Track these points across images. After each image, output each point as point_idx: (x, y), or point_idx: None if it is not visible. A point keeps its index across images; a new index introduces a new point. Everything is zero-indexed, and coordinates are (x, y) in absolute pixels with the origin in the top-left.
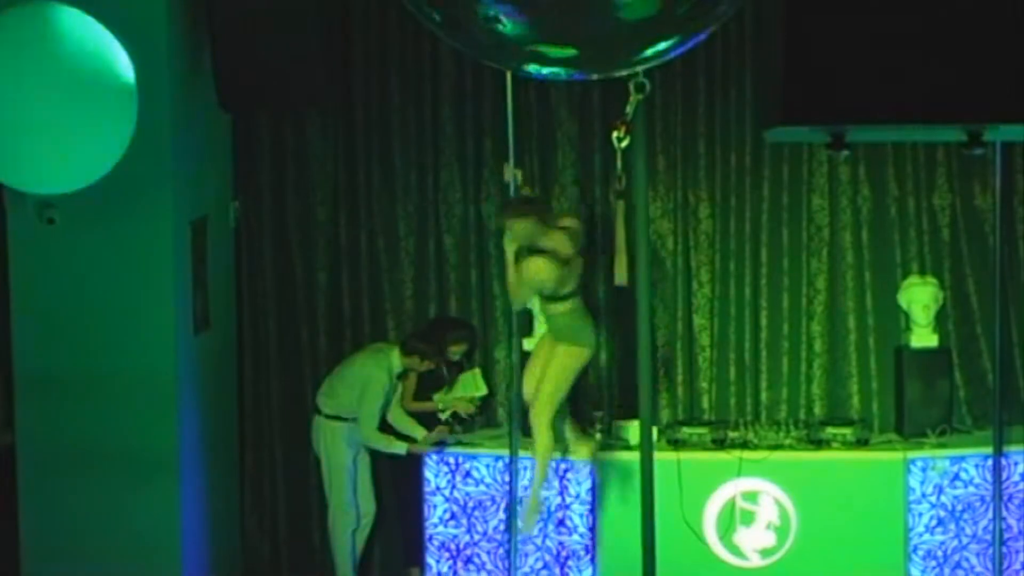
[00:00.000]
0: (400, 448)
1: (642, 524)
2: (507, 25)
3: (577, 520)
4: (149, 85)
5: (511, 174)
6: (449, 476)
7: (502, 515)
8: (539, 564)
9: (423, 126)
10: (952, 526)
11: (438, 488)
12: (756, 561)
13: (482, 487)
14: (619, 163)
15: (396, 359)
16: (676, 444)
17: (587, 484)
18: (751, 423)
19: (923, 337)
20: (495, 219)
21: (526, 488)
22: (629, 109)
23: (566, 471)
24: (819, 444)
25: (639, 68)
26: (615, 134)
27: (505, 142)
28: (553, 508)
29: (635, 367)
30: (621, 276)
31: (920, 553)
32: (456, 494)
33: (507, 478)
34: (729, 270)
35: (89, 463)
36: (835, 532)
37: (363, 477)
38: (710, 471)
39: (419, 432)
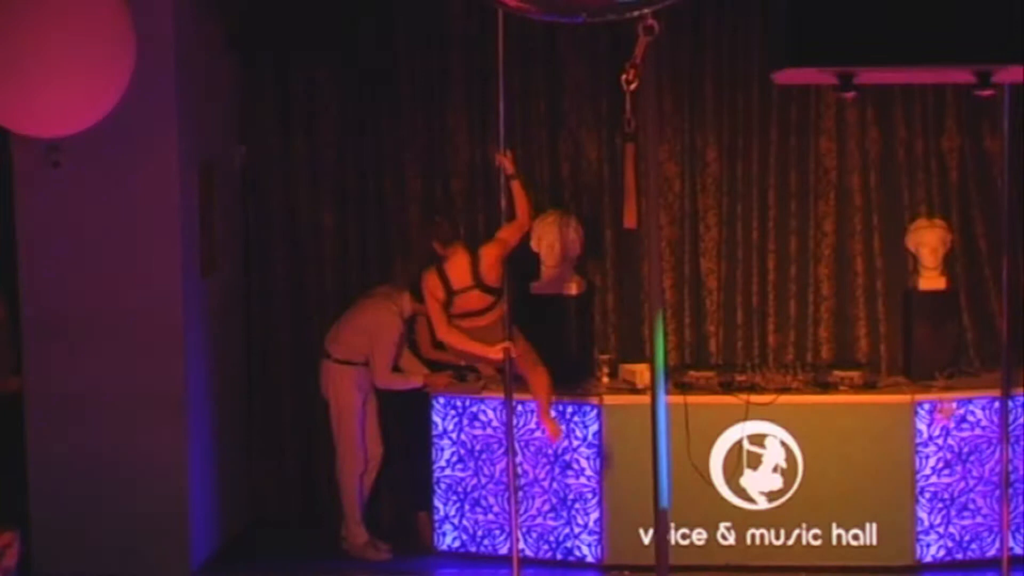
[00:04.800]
0: (416, 381)
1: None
2: None
3: (584, 463)
4: (153, 24)
5: (502, 161)
6: (456, 419)
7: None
8: (546, 507)
9: (430, 68)
10: (959, 468)
11: (445, 431)
12: (763, 504)
13: (489, 430)
14: (627, 106)
15: (407, 304)
16: (683, 387)
17: (594, 427)
18: (758, 366)
19: (931, 280)
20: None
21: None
22: (638, 52)
23: (572, 414)
24: (826, 387)
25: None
26: (624, 77)
27: (513, 83)
28: (559, 452)
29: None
30: (630, 219)
31: (927, 495)
32: (463, 437)
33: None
34: (736, 213)
35: (96, 407)
36: (842, 475)
37: (371, 421)
38: (717, 414)
39: (421, 375)
